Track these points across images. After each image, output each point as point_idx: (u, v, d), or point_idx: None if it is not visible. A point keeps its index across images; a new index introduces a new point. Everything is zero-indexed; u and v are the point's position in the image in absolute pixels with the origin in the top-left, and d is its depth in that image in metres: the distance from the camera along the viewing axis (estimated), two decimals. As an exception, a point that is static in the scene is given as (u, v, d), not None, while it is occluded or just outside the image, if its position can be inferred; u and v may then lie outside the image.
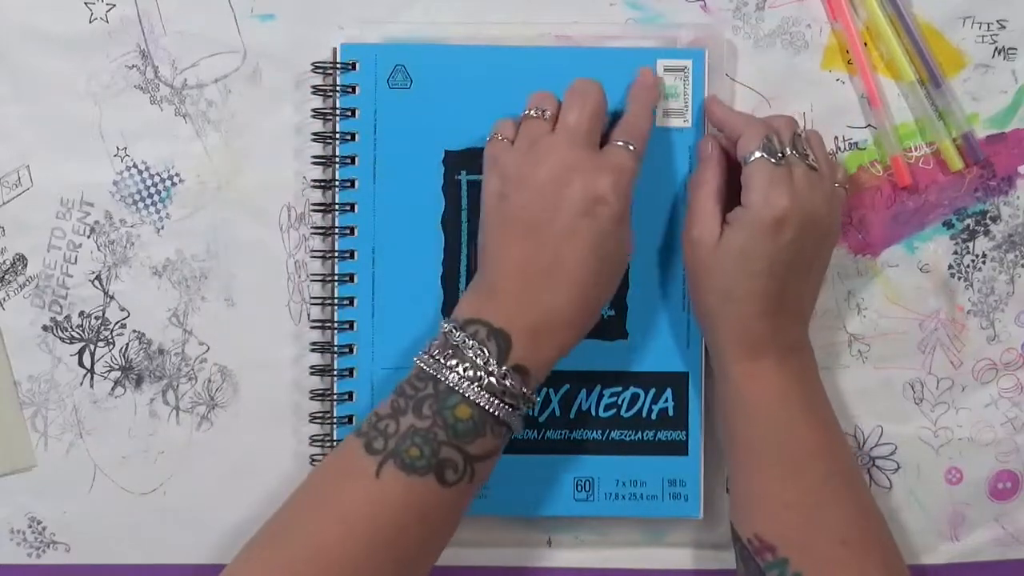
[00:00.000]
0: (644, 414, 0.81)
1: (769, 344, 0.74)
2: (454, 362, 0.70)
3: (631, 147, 0.74)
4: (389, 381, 0.81)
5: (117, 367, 0.83)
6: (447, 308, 0.81)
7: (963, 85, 0.83)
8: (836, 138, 0.83)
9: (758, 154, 0.74)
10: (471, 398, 0.70)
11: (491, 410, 0.70)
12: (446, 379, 0.70)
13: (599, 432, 0.82)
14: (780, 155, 0.74)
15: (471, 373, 0.70)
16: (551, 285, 0.71)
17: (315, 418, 0.83)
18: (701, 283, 0.76)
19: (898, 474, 0.84)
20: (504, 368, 0.70)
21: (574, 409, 0.81)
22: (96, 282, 0.82)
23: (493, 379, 0.70)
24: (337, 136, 0.81)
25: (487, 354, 0.70)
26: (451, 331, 0.71)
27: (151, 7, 0.82)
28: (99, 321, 0.82)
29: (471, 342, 0.70)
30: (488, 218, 0.74)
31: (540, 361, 0.71)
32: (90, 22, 0.82)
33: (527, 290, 0.72)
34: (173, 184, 0.82)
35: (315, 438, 0.83)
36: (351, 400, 0.81)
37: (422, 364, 0.72)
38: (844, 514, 0.74)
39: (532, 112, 0.75)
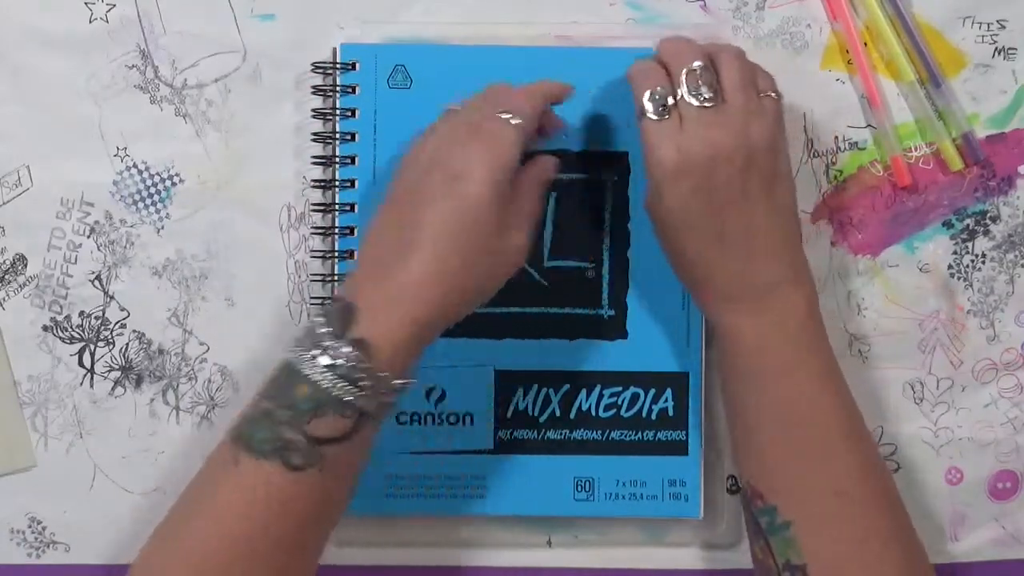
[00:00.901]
0: (644, 414, 0.82)
1: (737, 291, 0.73)
2: (301, 339, 0.69)
3: (513, 119, 0.72)
4: (389, 381, 0.81)
5: (117, 367, 0.83)
6: (447, 308, 0.81)
7: (963, 85, 0.83)
8: (836, 138, 0.83)
9: (640, 114, 0.73)
10: (308, 375, 0.67)
11: (328, 388, 0.67)
12: (290, 360, 0.68)
13: (599, 432, 0.82)
14: (663, 108, 0.72)
15: (313, 352, 0.67)
16: (405, 255, 0.69)
17: (315, 418, 0.83)
18: (662, 250, 0.75)
19: (898, 474, 0.84)
20: (340, 342, 0.67)
21: (574, 409, 0.81)
22: (96, 282, 0.82)
23: (328, 356, 0.67)
24: (337, 136, 0.81)
25: (325, 331, 0.68)
26: (312, 311, 0.70)
27: (151, 7, 0.82)
28: (99, 321, 0.82)
29: (318, 318, 0.68)
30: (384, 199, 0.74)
31: (388, 335, 0.68)
32: (90, 22, 0.81)
33: (382, 261, 0.69)
34: (173, 184, 0.82)
35: (315, 438, 0.83)
36: (351, 400, 0.81)
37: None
38: (838, 466, 0.72)
39: (450, 105, 0.75)
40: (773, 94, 0.74)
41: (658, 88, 0.72)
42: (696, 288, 0.75)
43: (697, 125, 0.71)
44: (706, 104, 0.72)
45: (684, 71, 0.72)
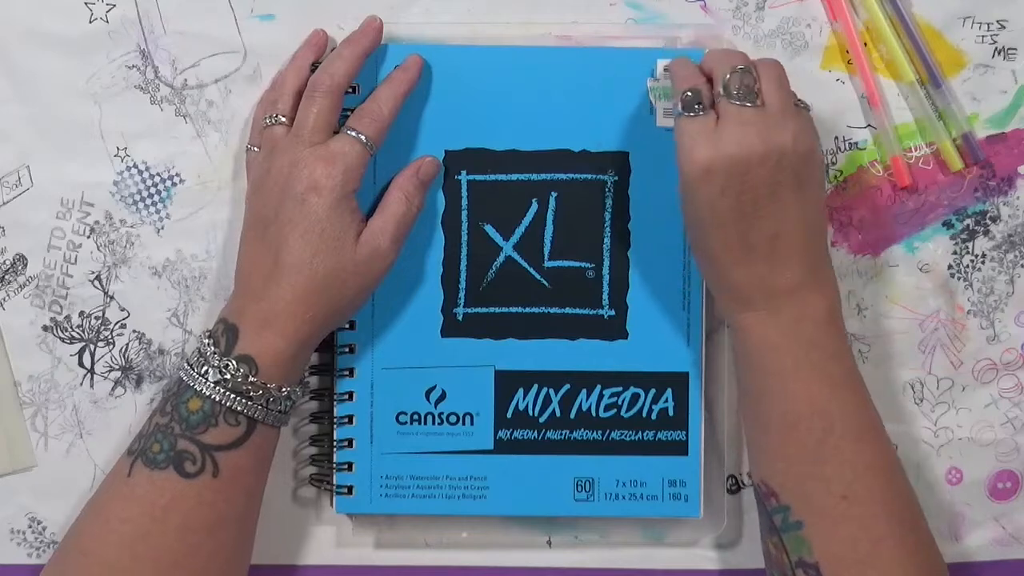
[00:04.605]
0: (644, 414, 0.81)
1: (755, 293, 0.73)
2: (191, 360, 0.74)
3: (360, 135, 0.76)
4: (389, 381, 0.81)
5: (117, 367, 0.83)
6: (447, 308, 0.81)
7: (963, 85, 0.83)
8: (836, 138, 0.83)
9: (677, 112, 0.73)
10: (200, 390, 0.73)
11: (220, 400, 0.73)
12: (182, 375, 0.74)
13: (599, 432, 0.82)
14: (699, 105, 0.72)
15: (202, 368, 0.73)
16: (275, 276, 0.74)
17: (315, 418, 0.83)
18: (690, 246, 0.76)
19: (898, 474, 0.84)
20: (227, 359, 0.73)
21: (574, 409, 0.81)
22: (96, 282, 0.82)
23: (216, 369, 0.73)
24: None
25: (214, 348, 0.74)
26: (201, 335, 0.75)
27: (151, 7, 0.82)
28: (99, 321, 0.82)
29: (206, 340, 0.74)
30: (243, 225, 0.78)
31: (268, 351, 0.73)
32: (90, 22, 0.81)
33: (256, 284, 0.75)
34: (173, 184, 0.82)
35: (315, 438, 0.83)
36: (351, 400, 0.81)
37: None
38: (846, 470, 0.73)
39: (266, 120, 0.78)
40: (803, 104, 0.75)
41: (695, 87, 0.72)
42: (715, 286, 0.76)
43: (734, 124, 0.71)
44: (746, 104, 0.72)
45: (727, 72, 0.72)
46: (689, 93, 0.72)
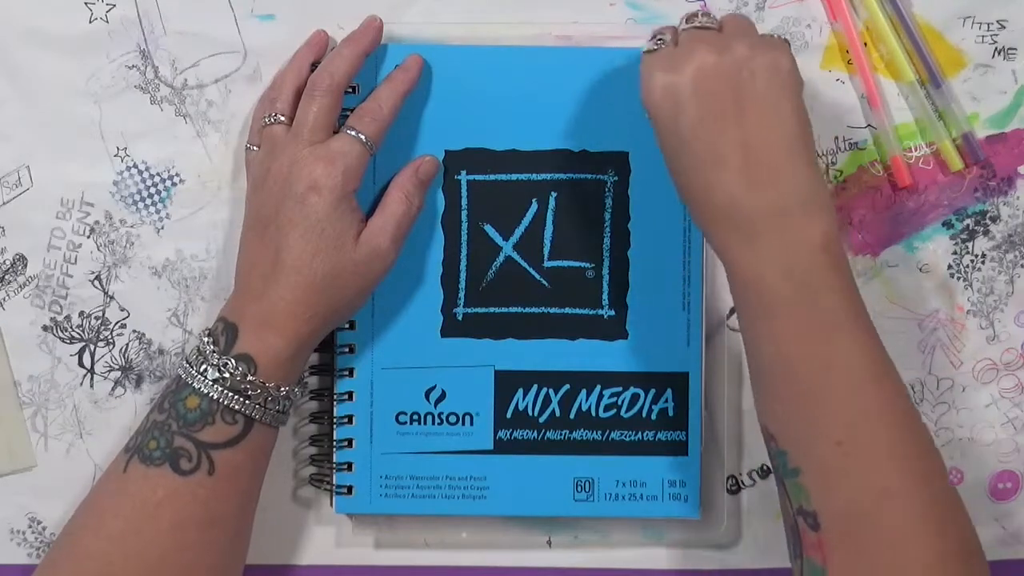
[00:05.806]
0: (644, 414, 0.81)
1: (740, 216, 0.69)
2: (190, 358, 0.74)
3: (360, 135, 0.76)
4: (389, 381, 0.81)
5: (117, 367, 0.83)
6: (447, 308, 0.81)
7: (963, 85, 0.83)
8: (836, 138, 0.83)
9: (640, 52, 0.73)
10: (198, 388, 0.73)
11: (217, 398, 0.73)
12: (181, 373, 0.74)
13: (599, 432, 0.82)
14: (660, 39, 0.72)
15: (201, 366, 0.73)
16: (275, 276, 0.74)
17: (315, 418, 0.83)
18: (675, 187, 0.73)
19: (898, 474, 0.84)
20: (226, 357, 0.73)
21: (574, 409, 0.81)
22: (96, 282, 0.82)
23: (215, 367, 0.73)
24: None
25: (213, 346, 0.74)
26: (201, 333, 0.75)
27: (151, 7, 0.82)
28: (99, 321, 0.82)
29: (205, 338, 0.74)
30: (243, 225, 0.78)
31: (267, 350, 0.74)
32: (90, 22, 0.82)
33: (256, 283, 0.75)
34: (173, 184, 0.82)
35: (315, 438, 0.83)
36: (351, 400, 0.81)
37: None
38: (841, 414, 0.68)
39: (266, 119, 0.78)
40: (776, 37, 0.73)
41: (661, 28, 0.73)
42: (698, 216, 0.72)
43: (689, 44, 0.71)
44: (706, 26, 0.72)
45: (685, 15, 0.73)
46: (652, 35, 0.73)
